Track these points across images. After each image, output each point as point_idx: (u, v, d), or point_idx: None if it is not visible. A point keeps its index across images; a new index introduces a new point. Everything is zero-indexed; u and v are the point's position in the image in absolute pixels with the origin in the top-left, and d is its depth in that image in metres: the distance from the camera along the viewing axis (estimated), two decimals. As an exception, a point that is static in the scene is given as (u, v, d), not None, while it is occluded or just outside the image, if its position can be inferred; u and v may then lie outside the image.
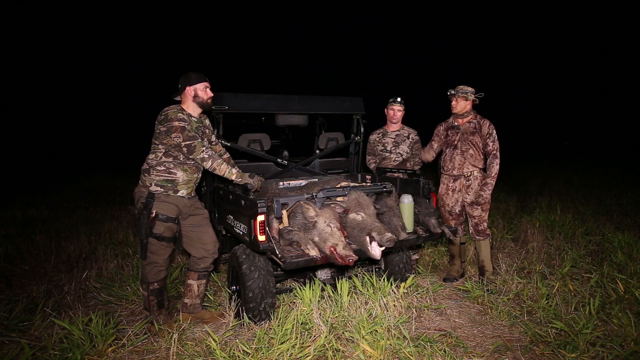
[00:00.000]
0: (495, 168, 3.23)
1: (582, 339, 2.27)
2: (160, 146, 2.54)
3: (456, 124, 3.37)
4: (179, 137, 2.46)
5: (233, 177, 2.55)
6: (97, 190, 9.61)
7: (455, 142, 3.34)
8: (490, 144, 3.26)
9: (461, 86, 3.30)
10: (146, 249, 2.53)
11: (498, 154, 3.25)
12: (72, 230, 5.24)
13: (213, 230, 2.84)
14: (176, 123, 2.46)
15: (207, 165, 2.52)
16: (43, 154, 21.19)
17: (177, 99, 2.68)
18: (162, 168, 2.54)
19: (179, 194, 2.59)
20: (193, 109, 2.64)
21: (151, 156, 2.58)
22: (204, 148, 2.51)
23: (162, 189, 2.54)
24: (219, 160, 2.55)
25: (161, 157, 2.54)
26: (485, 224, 3.32)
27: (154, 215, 2.51)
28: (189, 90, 2.59)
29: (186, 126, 2.48)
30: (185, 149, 2.48)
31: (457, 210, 3.39)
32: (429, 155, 3.57)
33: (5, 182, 11.10)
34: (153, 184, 2.54)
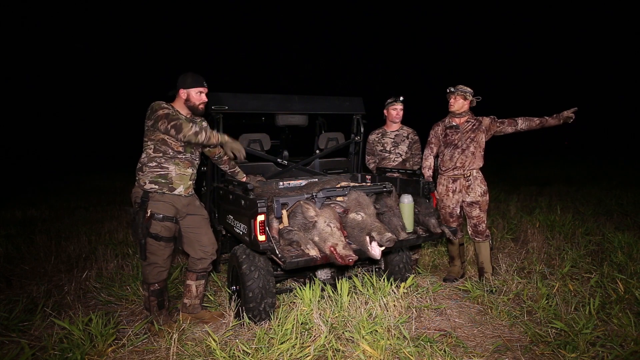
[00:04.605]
0: (522, 118, 3.26)
1: (582, 339, 2.27)
2: (149, 142, 2.53)
3: (454, 123, 3.36)
4: (164, 122, 2.41)
5: (226, 139, 2.53)
6: (97, 190, 9.61)
7: (455, 141, 3.33)
8: (503, 120, 3.29)
9: (461, 85, 3.30)
10: (145, 249, 2.52)
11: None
12: (72, 230, 5.24)
13: (212, 232, 2.83)
14: (160, 112, 2.43)
15: (201, 138, 2.43)
16: (43, 154, 21.19)
17: (173, 94, 2.67)
18: (154, 164, 2.52)
19: (175, 192, 2.57)
20: (182, 109, 2.62)
21: (143, 155, 2.57)
22: (191, 124, 2.43)
23: (157, 186, 2.52)
24: (209, 130, 2.50)
25: (151, 154, 2.53)
26: (484, 225, 3.32)
27: (149, 214, 2.49)
28: (182, 93, 2.58)
29: (170, 112, 2.45)
30: (173, 131, 2.40)
31: (457, 212, 3.38)
32: (428, 162, 3.53)
33: (5, 182, 11.10)
34: (147, 182, 2.52)
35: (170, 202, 2.56)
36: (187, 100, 2.58)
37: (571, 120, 3.19)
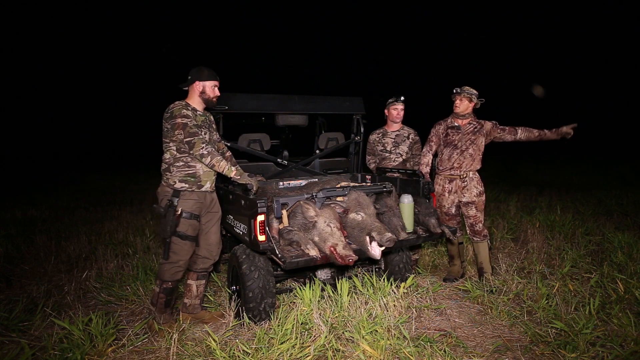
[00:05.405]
0: (522, 128, 3.28)
1: (582, 339, 2.27)
2: (171, 144, 2.55)
3: (456, 124, 3.37)
4: (181, 133, 2.47)
5: (232, 175, 2.52)
6: (97, 190, 9.62)
7: (455, 141, 3.34)
8: (504, 127, 3.30)
9: (468, 87, 3.31)
10: (169, 248, 2.54)
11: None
12: (72, 230, 5.24)
13: (219, 232, 2.85)
14: (179, 120, 2.47)
15: (206, 161, 2.49)
16: (43, 154, 21.19)
17: (185, 88, 2.69)
18: (181, 163, 2.56)
19: (203, 189, 2.61)
20: (198, 104, 2.65)
21: (166, 155, 2.59)
22: (204, 145, 2.48)
23: (187, 185, 2.56)
24: (218, 157, 2.51)
25: (176, 154, 2.56)
26: (482, 225, 3.32)
27: (179, 212, 2.52)
28: (198, 85, 2.61)
29: (188, 122, 2.48)
30: (186, 146, 2.49)
31: (453, 211, 3.39)
32: (426, 159, 3.54)
33: (5, 182, 11.10)
34: (177, 181, 2.55)
35: (199, 200, 2.60)
36: (203, 92, 2.62)
37: (569, 136, 3.20)
